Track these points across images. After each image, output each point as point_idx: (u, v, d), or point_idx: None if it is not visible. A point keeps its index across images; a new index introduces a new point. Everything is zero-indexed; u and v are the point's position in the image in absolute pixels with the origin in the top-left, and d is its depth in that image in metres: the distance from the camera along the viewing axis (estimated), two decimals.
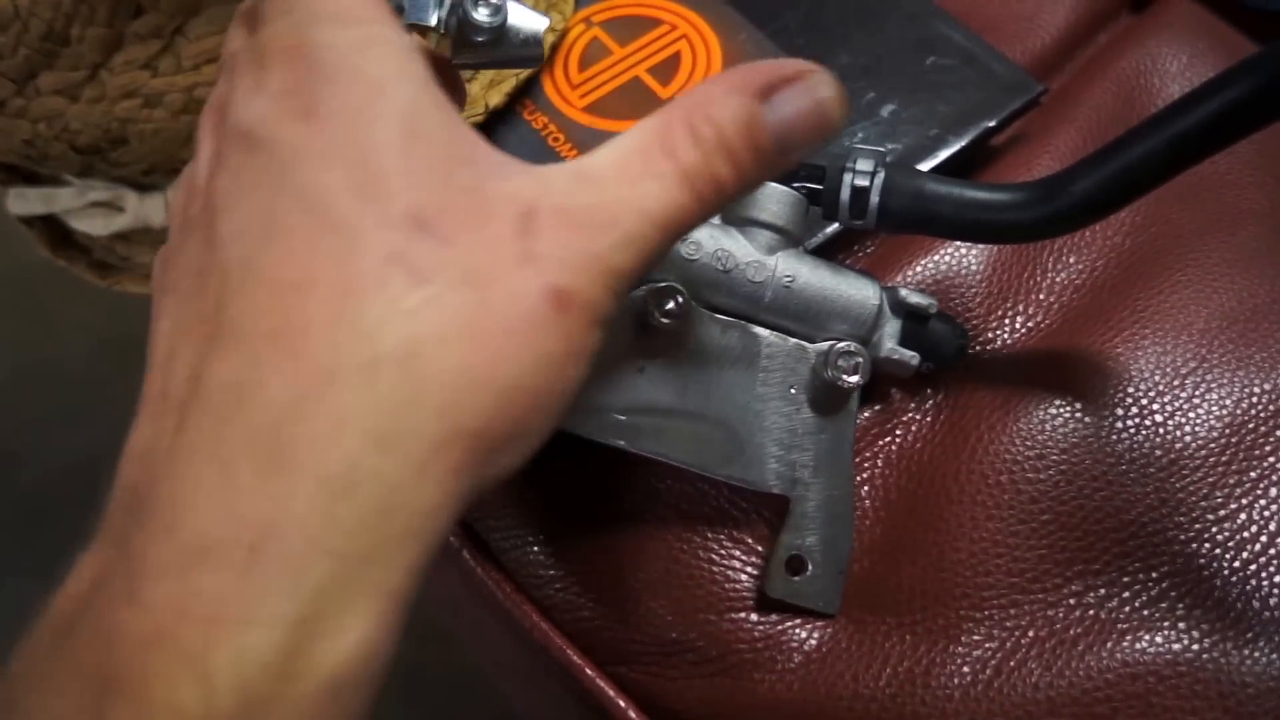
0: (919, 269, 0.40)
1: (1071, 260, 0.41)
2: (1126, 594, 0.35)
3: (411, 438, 0.21)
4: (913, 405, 0.38)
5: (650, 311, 0.33)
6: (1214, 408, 0.37)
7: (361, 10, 0.24)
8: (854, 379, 0.34)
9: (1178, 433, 0.37)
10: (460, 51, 0.31)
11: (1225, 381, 0.37)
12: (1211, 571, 0.35)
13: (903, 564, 0.36)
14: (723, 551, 0.36)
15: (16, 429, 1.02)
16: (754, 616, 0.36)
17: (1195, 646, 0.34)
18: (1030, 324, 0.39)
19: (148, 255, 0.47)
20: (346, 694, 0.20)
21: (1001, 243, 0.40)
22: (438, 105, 0.24)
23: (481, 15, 0.31)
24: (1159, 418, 0.37)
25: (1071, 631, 0.34)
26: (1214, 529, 0.35)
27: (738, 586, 0.36)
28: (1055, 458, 0.36)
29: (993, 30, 0.46)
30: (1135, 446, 0.36)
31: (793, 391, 0.35)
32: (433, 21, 0.31)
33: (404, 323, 0.21)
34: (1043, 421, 0.37)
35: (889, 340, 0.36)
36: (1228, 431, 0.37)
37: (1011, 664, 0.34)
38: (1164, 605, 0.35)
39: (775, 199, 0.34)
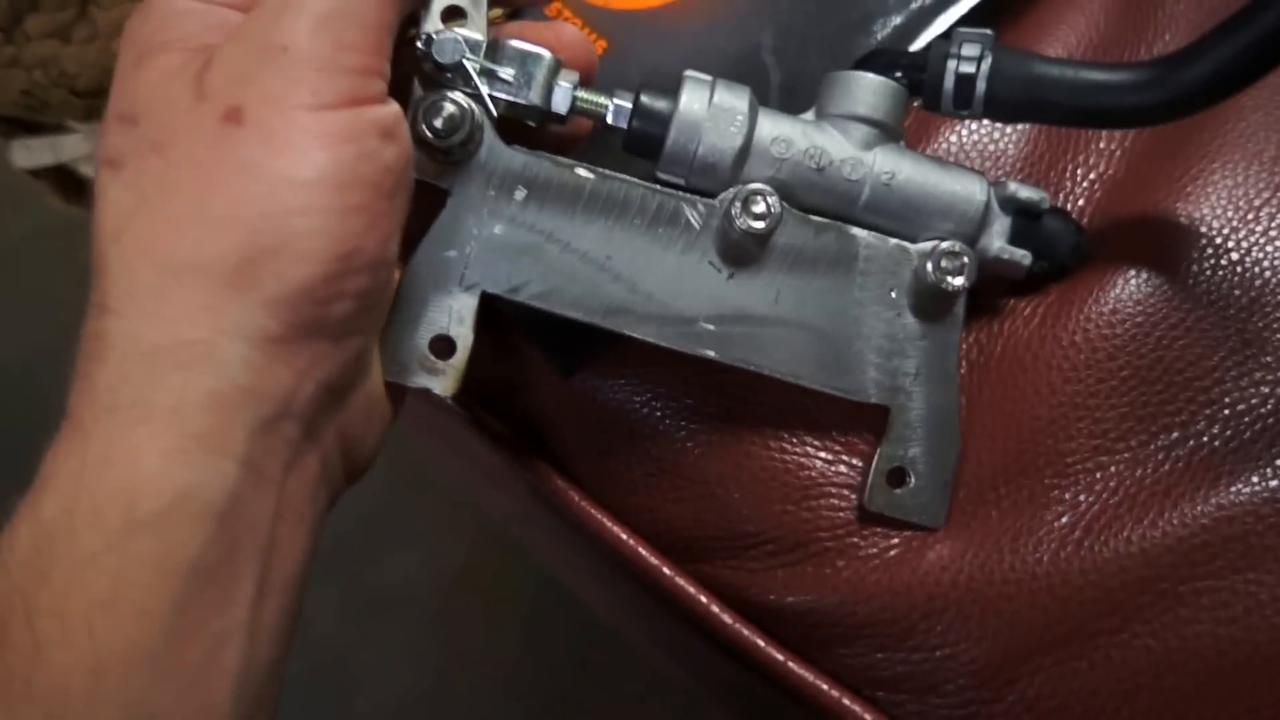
0: (963, 130, 0.38)
1: None
2: (1217, 442, 0.34)
3: None
4: None
5: (739, 215, 0.31)
6: None
7: None
8: (959, 281, 0.32)
9: (1255, 269, 0.35)
10: None
11: None
12: None
13: (981, 439, 0.35)
14: (794, 439, 0.35)
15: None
16: (832, 503, 0.35)
17: None
18: (1093, 174, 0.37)
19: None
20: None
21: (1123, 128, 0.37)
22: None
23: None
24: (1235, 255, 0.35)
25: (1163, 484, 0.33)
26: None
27: (813, 474, 0.35)
28: (1129, 311, 0.35)
29: None
30: (1213, 288, 0.35)
31: (893, 296, 0.33)
32: None
33: None
34: (1114, 275, 0.35)
35: (998, 239, 0.33)
36: None
37: (1102, 522, 0.33)
38: (1257, 446, 0.33)
39: (871, 90, 0.32)
